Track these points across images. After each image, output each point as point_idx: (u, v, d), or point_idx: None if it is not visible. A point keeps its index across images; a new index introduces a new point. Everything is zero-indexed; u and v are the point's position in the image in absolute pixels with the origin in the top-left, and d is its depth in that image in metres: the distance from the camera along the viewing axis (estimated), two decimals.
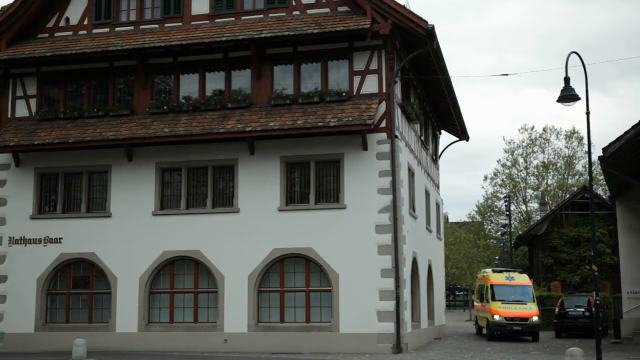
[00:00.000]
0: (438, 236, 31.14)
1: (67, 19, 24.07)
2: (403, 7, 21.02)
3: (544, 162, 59.03)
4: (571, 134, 58.07)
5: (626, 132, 21.43)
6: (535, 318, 27.65)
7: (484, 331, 29.30)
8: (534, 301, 28.53)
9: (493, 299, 28.11)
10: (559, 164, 58.88)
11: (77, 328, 22.30)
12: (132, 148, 22.57)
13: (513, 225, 53.50)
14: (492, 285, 28.61)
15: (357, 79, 21.67)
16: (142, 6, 23.80)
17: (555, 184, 58.43)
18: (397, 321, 20.32)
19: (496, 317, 27.39)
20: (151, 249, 22.09)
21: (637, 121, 21.21)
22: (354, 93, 21.57)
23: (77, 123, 23.02)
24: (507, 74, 23.41)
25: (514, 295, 28.43)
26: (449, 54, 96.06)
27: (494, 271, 30.01)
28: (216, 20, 22.91)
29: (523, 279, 29.36)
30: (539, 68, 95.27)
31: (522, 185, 59.71)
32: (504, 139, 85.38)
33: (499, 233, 61.26)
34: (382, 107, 21.30)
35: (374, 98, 21.36)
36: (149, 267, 22.10)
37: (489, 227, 64.56)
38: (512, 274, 29.42)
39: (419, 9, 38.27)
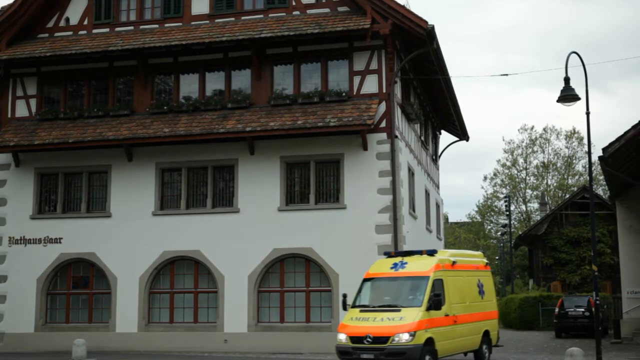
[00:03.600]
0: (438, 236, 31.11)
1: (67, 19, 24.08)
2: (403, 7, 21.03)
3: (544, 162, 59.03)
4: (571, 134, 58.08)
5: (626, 132, 21.40)
6: (405, 337, 14.58)
7: None
8: (420, 306, 15.14)
9: (353, 304, 16.15)
10: (559, 164, 58.89)
11: (77, 328, 22.31)
12: (132, 148, 22.57)
13: (513, 225, 53.45)
14: (363, 281, 16.60)
15: (357, 79, 21.67)
16: (142, 6, 23.80)
17: (555, 184, 58.43)
18: None
19: (341, 337, 15.41)
20: (151, 249, 22.09)
21: (637, 121, 21.19)
22: (354, 93, 21.57)
23: (77, 123, 23.03)
24: (507, 74, 23.47)
25: (391, 295, 16.09)
26: (449, 54, 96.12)
27: (386, 255, 17.57)
28: (216, 20, 22.90)
29: (421, 266, 16.08)
30: (539, 68, 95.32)
31: (522, 186, 59.71)
32: (503, 139, 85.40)
33: (499, 233, 61.26)
34: (382, 107, 21.30)
35: (374, 98, 21.36)
36: (149, 267, 22.10)
37: (489, 227, 64.60)
38: (408, 259, 16.54)
39: (419, 9, 38.47)
